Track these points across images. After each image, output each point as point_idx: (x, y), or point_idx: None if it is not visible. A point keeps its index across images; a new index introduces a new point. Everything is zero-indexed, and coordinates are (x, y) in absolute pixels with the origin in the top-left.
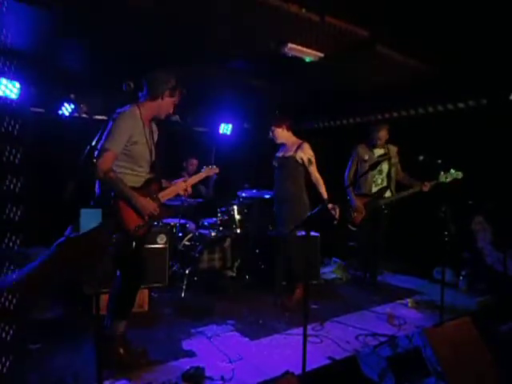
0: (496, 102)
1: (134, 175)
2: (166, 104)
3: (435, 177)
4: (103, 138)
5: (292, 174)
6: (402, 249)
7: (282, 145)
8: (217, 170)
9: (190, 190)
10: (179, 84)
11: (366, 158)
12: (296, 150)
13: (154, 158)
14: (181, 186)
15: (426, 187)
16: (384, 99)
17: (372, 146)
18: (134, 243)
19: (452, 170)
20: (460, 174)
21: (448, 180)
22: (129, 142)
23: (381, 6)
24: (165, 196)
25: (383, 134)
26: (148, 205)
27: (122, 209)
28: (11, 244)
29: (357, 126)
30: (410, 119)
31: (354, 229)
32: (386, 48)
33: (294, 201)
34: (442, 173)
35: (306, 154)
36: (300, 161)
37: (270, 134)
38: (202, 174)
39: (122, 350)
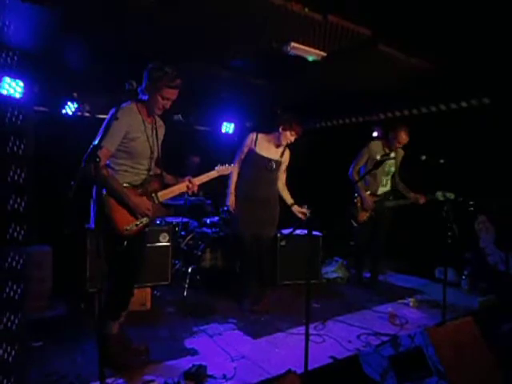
0: (499, 101)
1: (134, 173)
2: (157, 98)
3: (433, 194)
4: (98, 134)
5: (278, 177)
6: (404, 248)
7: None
8: (233, 169)
9: (196, 188)
10: (172, 77)
11: (378, 157)
12: (283, 154)
13: (156, 154)
14: (185, 185)
15: (422, 200)
16: (386, 98)
17: (388, 147)
18: (125, 242)
19: (447, 193)
20: (452, 195)
21: (442, 199)
22: (126, 139)
23: (383, 4)
24: (165, 195)
25: (404, 136)
26: (141, 204)
27: (113, 207)
28: (16, 234)
29: (358, 126)
30: (411, 118)
31: (355, 225)
32: (388, 47)
33: (278, 203)
34: (440, 193)
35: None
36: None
37: (284, 138)
38: (214, 174)
39: (120, 349)
